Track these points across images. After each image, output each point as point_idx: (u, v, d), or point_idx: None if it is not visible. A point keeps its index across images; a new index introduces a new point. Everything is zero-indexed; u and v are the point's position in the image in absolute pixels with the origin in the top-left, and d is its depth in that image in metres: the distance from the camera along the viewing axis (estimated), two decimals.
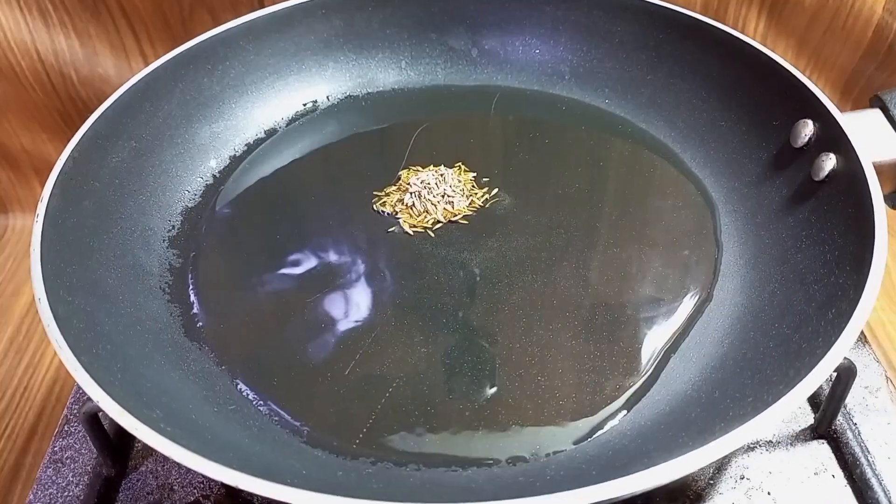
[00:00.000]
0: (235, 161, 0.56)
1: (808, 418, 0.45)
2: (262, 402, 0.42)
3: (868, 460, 0.43)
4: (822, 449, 0.44)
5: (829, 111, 0.45)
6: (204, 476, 0.31)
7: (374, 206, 0.52)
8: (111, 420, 0.33)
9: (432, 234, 0.50)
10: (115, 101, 0.50)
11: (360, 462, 0.39)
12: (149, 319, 0.44)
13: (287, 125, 0.59)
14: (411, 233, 0.50)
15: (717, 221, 0.50)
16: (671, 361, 0.43)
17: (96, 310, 0.42)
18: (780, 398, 0.33)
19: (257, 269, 0.49)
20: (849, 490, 0.42)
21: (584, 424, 0.40)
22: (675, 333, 0.44)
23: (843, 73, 0.69)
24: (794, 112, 0.48)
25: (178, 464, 0.32)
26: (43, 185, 0.44)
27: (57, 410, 0.60)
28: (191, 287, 0.48)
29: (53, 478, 0.44)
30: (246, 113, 0.58)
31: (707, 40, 0.54)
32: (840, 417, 0.44)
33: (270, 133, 0.58)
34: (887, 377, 0.47)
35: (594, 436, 0.40)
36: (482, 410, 0.41)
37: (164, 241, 0.50)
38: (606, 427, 0.40)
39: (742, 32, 0.53)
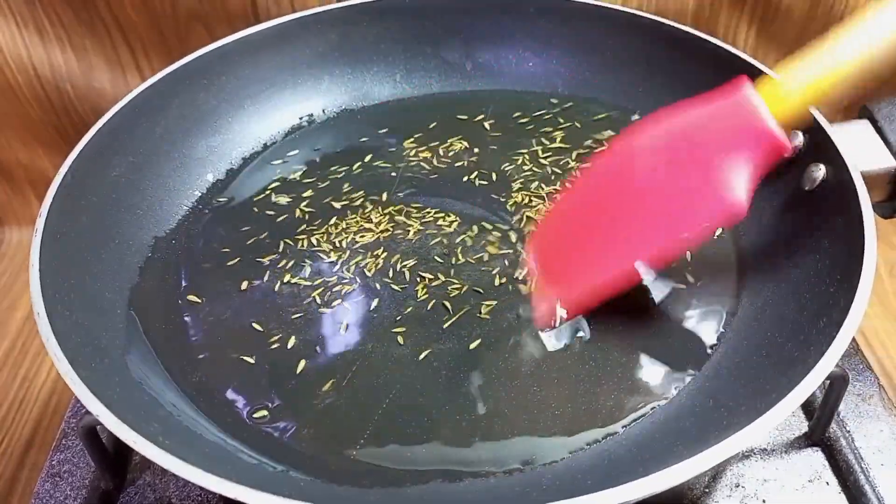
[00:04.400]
0: (232, 174, 0.56)
1: (802, 426, 0.45)
2: (259, 415, 0.42)
3: (862, 467, 0.43)
4: (816, 456, 0.44)
5: (818, 122, 0.46)
6: (202, 489, 0.32)
7: None
8: (109, 434, 0.34)
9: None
10: (113, 116, 0.50)
11: (357, 473, 0.39)
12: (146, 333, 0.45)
13: (283, 138, 0.59)
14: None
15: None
16: (666, 372, 0.43)
17: (94, 324, 0.42)
18: (772, 407, 0.33)
19: (255, 281, 0.49)
20: (843, 497, 0.42)
21: (579, 434, 0.40)
22: (669, 345, 0.45)
23: None
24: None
25: (175, 477, 0.33)
26: (39, 198, 0.44)
27: (53, 423, 0.60)
28: (188, 300, 0.48)
29: (51, 492, 0.44)
30: (242, 127, 0.58)
31: (697, 53, 0.54)
32: (833, 425, 0.44)
33: (267, 146, 0.59)
34: (880, 384, 0.48)
35: (589, 446, 0.40)
36: (478, 421, 0.41)
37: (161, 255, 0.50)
38: (601, 437, 0.40)
39: (732, 44, 0.54)
